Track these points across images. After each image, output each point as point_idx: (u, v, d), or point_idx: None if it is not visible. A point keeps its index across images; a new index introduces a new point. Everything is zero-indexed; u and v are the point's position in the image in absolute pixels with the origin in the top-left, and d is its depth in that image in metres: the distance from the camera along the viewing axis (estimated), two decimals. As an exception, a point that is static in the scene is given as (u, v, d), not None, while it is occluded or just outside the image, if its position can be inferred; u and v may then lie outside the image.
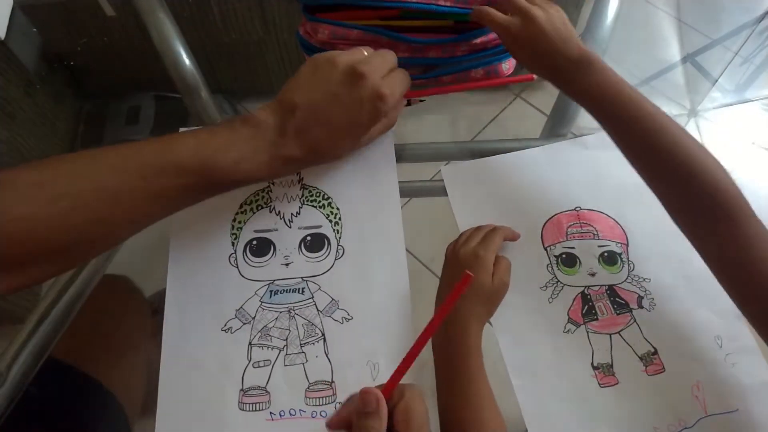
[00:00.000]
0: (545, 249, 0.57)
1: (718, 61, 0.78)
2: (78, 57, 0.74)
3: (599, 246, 0.58)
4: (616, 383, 0.51)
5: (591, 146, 0.64)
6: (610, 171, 0.62)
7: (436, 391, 0.48)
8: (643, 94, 0.69)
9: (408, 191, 0.62)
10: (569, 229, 0.58)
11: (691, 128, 0.68)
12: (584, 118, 0.70)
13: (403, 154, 0.63)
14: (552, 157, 0.63)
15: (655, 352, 0.52)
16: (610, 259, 0.57)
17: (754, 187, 0.65)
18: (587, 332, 0.53)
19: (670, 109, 0.70)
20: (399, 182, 0.61)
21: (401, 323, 0.52)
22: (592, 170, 0.62)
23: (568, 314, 0.54)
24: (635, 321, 0.54)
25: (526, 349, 0.52)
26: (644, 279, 0.56)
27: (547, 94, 0.70)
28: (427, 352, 0.51)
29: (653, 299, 0.55)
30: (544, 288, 0.55)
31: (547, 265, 0.56)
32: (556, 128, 0.69)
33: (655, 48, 0.78)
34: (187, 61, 0.71)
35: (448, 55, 0.61)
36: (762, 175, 0.67)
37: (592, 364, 0.52)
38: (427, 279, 0.57)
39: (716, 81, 0.76)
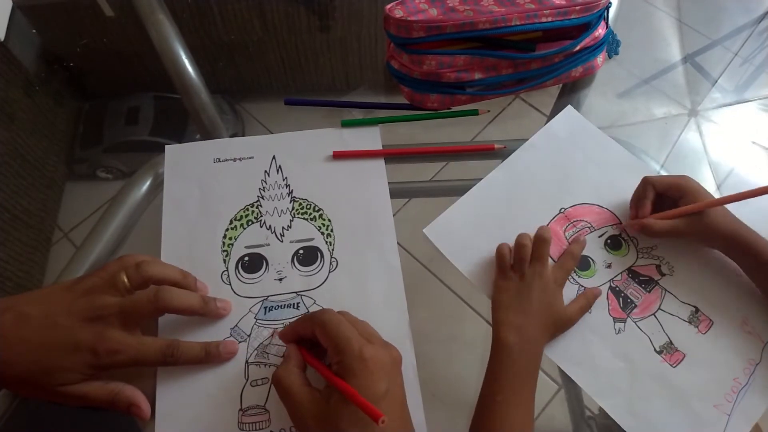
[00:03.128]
0: (557, 263, 0.57)
1: (718, 61, 0.78)
2: (77, 58, 0.74)
3: (599, 236, 0.58)
4: (684, 356, 0.52)
5: (541, 145, 0.64)
6: (570, 161, 0.63)
7: (484, 383, 0.48)
8: (644, 93, 0.70)
9: (408, 191, 0.62)
10: (566, 233, 0.58)
11: (691, 128, 0.68)
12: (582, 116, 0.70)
13: (402, 156, 0.63)
14: (513, 173, 0.62)
15: (698, 310, 0.54)
16: (614, 243, 0.58)
17: (754, 186, 0.65)
18: (635, 323, 0.54)
19: (670, 109, 0.71)
20: (399, 182, 0.61)
21: (399, 333, 0.52)
22: (553, 168, 0.62)
23: (610, 315, 0.54)
24: (666, 290, 0.55)
25: (597, 370, 0.52)
26: (652, 247, 0.57)
27: (547, 95, 0.70)
28: (431, 349, 0.51)
29: (668, 262, 0.56)
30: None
31: (569, 278, 0.56)
32: (556, 128, 0.69)
33: (655, 48, 0.78)
34: (186, 61, 0.71)
35: (548, 64, 0.64)
36: (762, 174, 0.67)
37: (655, 350, 0.53)
38: (427, 279, 0.57)
39: (716, 81, 0.75)
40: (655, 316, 0.54)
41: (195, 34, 0.76)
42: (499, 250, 0.56)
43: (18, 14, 0.76)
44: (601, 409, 0.51)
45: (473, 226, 0.59)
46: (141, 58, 0.76)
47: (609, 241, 0.58)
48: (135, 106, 0.69)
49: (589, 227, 0.58)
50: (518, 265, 0.54)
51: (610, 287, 0.56)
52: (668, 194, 0.55)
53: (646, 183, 0.56)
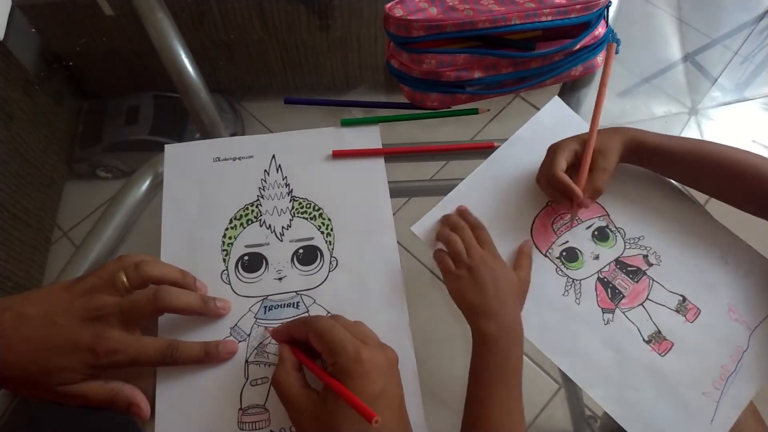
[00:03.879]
0: (545, 255, 0.57)
1: (718, 60, 0.78)
2: (77, 57, 0.74)
3: (587, 227, 0.58)
4: (672, 345, 0.53)
5: (528, 137, 0.64)
6: None
7: (468, 381, 0.48)
8: (645, 92, 0.70)
9: (408, 190, 0.61)
10: (554, 226, 0.59)
11: (692, 126, 0.68)
12: (584, 118, 0.70)
13: (402, 155, 0.63)
14: (499, 166, 0.62)
15: (685, 299, 0.54)
16: (601, 235, 0.58)
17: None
18: (623, 313, 0.54)
19: (670, 107, 0.71)
20: (399, 181, 0.61)
21: (398, 332, 0.52)
22: (540, 160, 0.60)
23: (599, 305, 0.54)
24: (654, 280, 0.55)
25: (589, 362, 0.52)
26: (639, 238, 0.58)
27: (548, 93, 0.70)
28: (423, 348, 0.51)
29: (656, 252, 0.57)
30: (566, 293, 0.55)
31: (556, 269, 0.57)
32: (556, 127, 0.69)
33: (655, 47, 0.78)
34: (186, 60, 0.71)
35: (548, 63, 0.64)
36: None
37: (643, 339, 0.53)
38: (427, 278, 0.57)
39: (716, 80, 0.75)
40: (643, 306, 0.54)
41: (195, 34, 0.76)
42: (437, 255, 0.55)
43: (17, 13, 0.76)
44: (604, 413, 0.51)
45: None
46: (140, 58, 0.76)
47: (596, 232, 0.58)
48: (134, 106, 0.69)
49: (576, 219, 0.59)
50: (459, 262, 0.53)
51: (599, 278, 0.56)
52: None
53: (560, 174, 0.54)
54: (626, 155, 0.56)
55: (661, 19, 0.83)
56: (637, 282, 0.56)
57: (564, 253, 0.57)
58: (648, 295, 0.55)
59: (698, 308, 0.54)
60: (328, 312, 0.52)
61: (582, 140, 0.56)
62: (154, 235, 0.56)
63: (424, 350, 0.51)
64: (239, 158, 0.61)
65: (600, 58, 0.67)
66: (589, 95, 0.71)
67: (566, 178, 0.54)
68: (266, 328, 0.51)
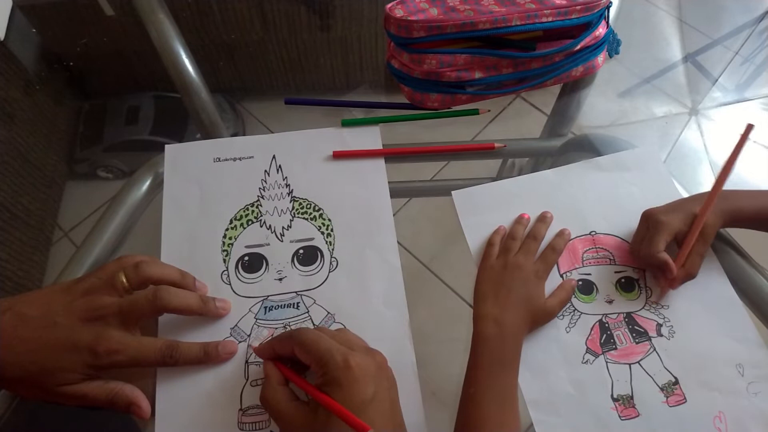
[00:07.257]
0: (561, 276, 0.56)
1: (719, 60, 0.78)
2: (77, 57, 0.74)
3: (616, 272, 0.56)
4: (637, 416, 0.49)
5: (604, 168, 0.62)
6: (625, 193, 0.60)
7: (464, 378, 0.48)
8: (645, 92, 0.69)
9: (408, 191, 0.62)
10: (585, 255, 0.57)
11: (692, 127, 0.68)
12: (585, 118, 0.70)
13: (402, 155, 0.63)
14: (564, 179, 0.61)
15: (676, 382, 0.51)
16: (627, 285, 0.55)
17: (754, 185, 0.65)
18: (606, 362, 0.52)
19: (671, 108, 0.71)
20: (399, 182, 0.61)
21: (399, 332, 0.51)
22: (606, 193, 0.60)
23: (586, 344, 0.52)
24: (655, 350, 0.52)
25: (544, 382, 0.50)
26: (663, 306, 0.54)
27: (548, 94, 0.70)
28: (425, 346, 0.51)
29: (672, 327, 0.53)
30: (561, 317, 0.54)
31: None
32: (556, 128, 0.69)
33: (656, 47, 0.78)
34: (186, 60, 0.71)
35: (549, 63, 0.64)
36: (762, 173, 0.67)
37: (611, 395, 0.50)
38: (427, 278, 0.57)
39: (717, 80, 0.76)
40: (630, 367, 0.51)
41: (195, 34, 0.76)
42: (492, 238, 0.57)
43: (18, 13, 0.76)
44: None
45: (501, 210, 0.58)
46: (141, 58, 0.76)
47: (623, 280, 0.55)
48: (135, 106, 0.69)
49: (610, 259, 0.57)
50: (503, 255, 0.55)
51: (600, 320, 0.54)
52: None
53: (660, 255, 0.52)
54: (724, 227, 0.54)
55: (661, 19, 0.83)
56: (637, 343, 0.52)
57: (580, 283, 0.55)
58: (641, 360, 0.52)
59: (685, 398, 0.50)
60: (328, 312, 0.52)
61: (685, 219, 0.53)
62: (154, 235, 0.56)
63: (424, 350, 0.51)
64: (239, 158, 0.61)
65: (601, 58, 0.67)
66: (590, 95, 0.71)
67: (666, 259, 0.51)
68: (250, 345, 0.50)
